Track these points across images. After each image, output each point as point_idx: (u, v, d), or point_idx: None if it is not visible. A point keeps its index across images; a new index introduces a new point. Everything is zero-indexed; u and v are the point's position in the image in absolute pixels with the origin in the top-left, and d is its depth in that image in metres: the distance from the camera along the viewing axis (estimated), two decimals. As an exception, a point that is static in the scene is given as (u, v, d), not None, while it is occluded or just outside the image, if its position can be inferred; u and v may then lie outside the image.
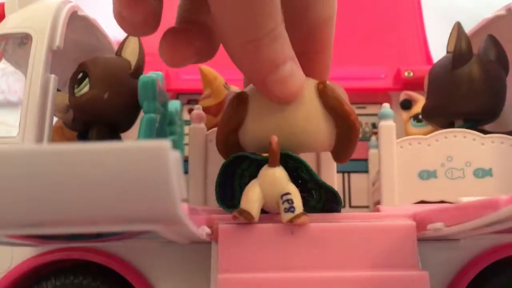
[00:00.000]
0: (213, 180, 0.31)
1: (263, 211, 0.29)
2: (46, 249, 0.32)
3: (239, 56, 0.27)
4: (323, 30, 0.31)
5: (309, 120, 0.29)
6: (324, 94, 0.29)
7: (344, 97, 0.31)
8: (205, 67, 0.43)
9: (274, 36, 0.26)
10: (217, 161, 0.34)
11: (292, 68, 0.27)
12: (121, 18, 0.27)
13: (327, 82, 0.30)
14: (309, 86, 0.30)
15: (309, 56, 0.32)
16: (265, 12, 0.25)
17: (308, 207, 0.29)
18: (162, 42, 0.29)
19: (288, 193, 0.28)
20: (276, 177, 0.28)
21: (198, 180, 0.38)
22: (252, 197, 0.28)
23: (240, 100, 0.30)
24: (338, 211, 0.31)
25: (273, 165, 0.28)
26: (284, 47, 0.27)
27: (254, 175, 0.30)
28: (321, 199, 0.30)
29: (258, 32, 0.25)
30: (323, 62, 0.34)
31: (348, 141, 0.30)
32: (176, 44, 0.29)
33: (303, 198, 0.29)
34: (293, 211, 0.27)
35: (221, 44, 0.29)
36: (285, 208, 0.27)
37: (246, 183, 0.30)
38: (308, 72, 0.30)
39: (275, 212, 0.29)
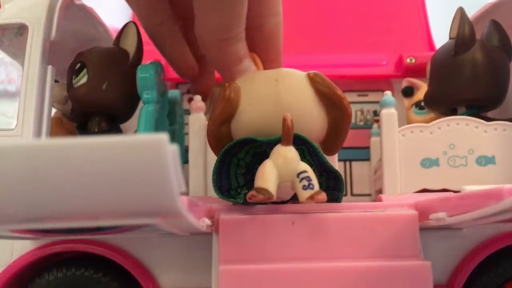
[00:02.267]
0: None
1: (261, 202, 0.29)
2: (47, 241, 0.32)
3: (213, 52, 0.35)
4: (274, 41, 0.39)
5: (303, 107, 0.29)
6: (315, 81, 0.30)
7: None
8: None
9: (239, 37, 0.34)
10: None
11: (248, 63, 0.35)
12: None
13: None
14: (299, 77, 0.30)
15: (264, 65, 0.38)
16: (235, 19, 0.33)
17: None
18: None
19: (305, 171, 0.27)
20: (291, 156, 0.28)
21: (199, 169, 0.37)
22: (269, 175, 0.27)
23: (232, 90, 0.30)
24: (339, 198, 0.30)
25: (287, 143, 0.28)
26: (244, 47, 0.35)
27: (250, 164, 0.30)
28: (323, 185, 0.30)
29: (229, 33, 0.33)
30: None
31: (340, 128, 0.30)
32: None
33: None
34: (312, 188, 0.27)
35: None
36: (304, 186, 0.27)
37: (243, 173, 0.30)
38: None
39: (287, 193, 0.29)
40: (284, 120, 0.27)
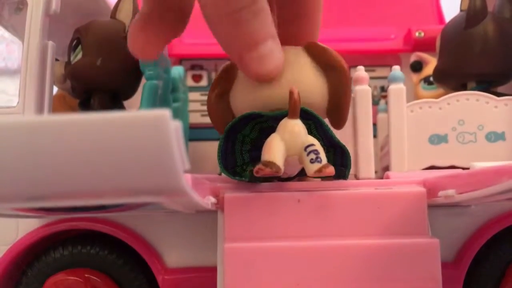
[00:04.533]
0: None
1: (266, 179, 0.28)
2: (52, 219, 0.32)
3: (218, 29, 0.26)
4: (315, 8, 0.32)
5: (303, 80, 0.28)
6: (311, 48, 0.29)
7: None
8: None
9: (254, 10, 0.25)
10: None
11: (271, 47, 0.26)
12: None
13: None
14: (295, 51, 0.29)
15: (299, 20, 0.31)
16: None
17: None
18: (132, 33, 0.28)
19: (312, 144, 0.27)
20: (298, 129, 0.27)
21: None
22: (277, 148, 0.26)
23: (229, 67, 0.30)
24: (345, 174, 0.30)
25: (293, 116, 0.27)
26: (265, 24, 0.26)
27: (256, 140, 0.29)
28: (329, 160, 0.29)
29: (238, 4, 0.25)
30: (312, 25, 0.33)
31: (341, 93, 0.29)
32: (148, 38, 0.29)
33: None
34: (320, 161, 0.26)
35: None
36: (312, 159, 0.26)
37: (248, 150, 0.29)
38: (297, 37, 0.30)
39: (295, 168, 0.28)
40: (291, 93, 0.26)
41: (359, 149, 0.35)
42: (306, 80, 0.29)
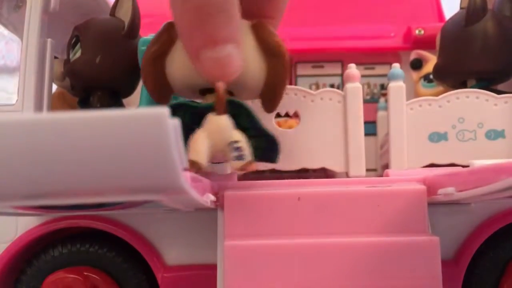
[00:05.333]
0: None
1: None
2: (51, 217, 0.32)
3: (180, 19, 0.26)
4: None
5: (243, 58, 0.27)
6: (259, 29, 0.29)
7: None
8: None
9: (219, 8, 0.25)
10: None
11: (230, 52, 0.26)
12: None
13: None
14: (243, 25, 0.29)
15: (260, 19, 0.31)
16: None
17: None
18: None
19: (236, 141, 0.27)
20: (223, 125, 0.27)
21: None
22: (201, 147, 0.27)
23: (170, 26, 0.28)
24: (274, 160, 0.30)
25: (220, 113, 0.27)
26: (229, 26, 0.25)
27: (188, 124, 0.28)
28: (259, 147, 0.29)
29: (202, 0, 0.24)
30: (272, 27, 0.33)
31: (278, 78, 0.29)
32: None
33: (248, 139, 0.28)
34: (243, 159, 0.27)
35: None
36: (234, 156, 0.27)
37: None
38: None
39: (223, 161, 0.29)
40: (217, 90, 0.26)
41: (350, 147, 0.34)
42: (246, 59, 0.28)
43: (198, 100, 0.30)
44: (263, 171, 0.35)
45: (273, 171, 0.35)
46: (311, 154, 0.34)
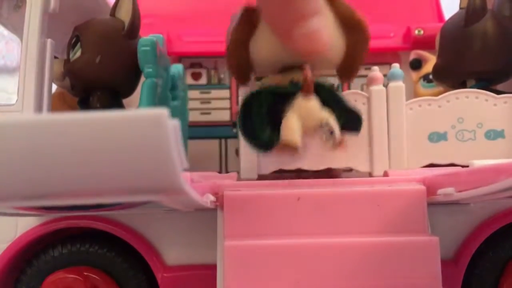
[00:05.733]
0: None
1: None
2: (51, 217, 0.32)
3: (267, 2, 0.26)
4: None
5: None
6: (335, 4, 0.30)
7: None
8: None
9: None
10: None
11: (319, 24, 0.27)
12: None
13: None
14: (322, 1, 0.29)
15: None
16: None
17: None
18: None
19: (327, 122, 0.28)
20: (312, 108, 0.28)
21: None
22: (294, 127, 0.28)
23: (250, 11, 0.30)
24: (358, 129, 0.31)
25: (307, 95, 0.28)
26: (314, 0, 0.26)
27: (271, 105, 0.30)
28: (342, 121, 0.30)
29: None
30: None
31: (357, 51, 0.30)
32: None
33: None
34: (334, 137, 0.28)
35: None
36: (326, 136, 0.28)
37: (265, 113, 0.30)
38: None
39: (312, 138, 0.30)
40: (304, 73, 0.28)
41: (374, 148, 0.35)
42: (330, 31, 0.29)
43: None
44: (288, 171, 0.35)
45: (299, 170, 0.35)
46: (336, 154, 0.35)
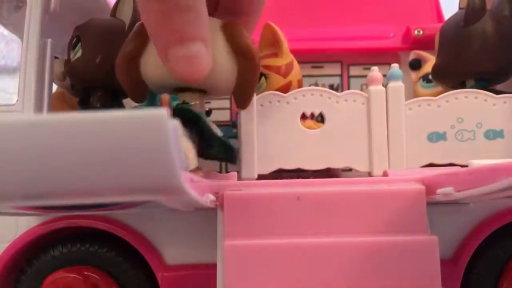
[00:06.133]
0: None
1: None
2: (51, 217, 0.32)
3: (146, 15, 0.26)
4: None
5: (214, 56, 0.28)
6: (229, 29, 0.30)
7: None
8: (275, 25, 0.41)
9: (186, 6, 0.25)
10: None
11: (199, 50, 0.26)
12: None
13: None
14: (214, 25, 0.30)
15: (238, 16, 0.32)
16: None
17: (211, 156, 0.31)
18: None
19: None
20: None
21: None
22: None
23: (143, 27, 0.29)
24: (234, 161, 0.32)
25: None
26: (198, 24, 0.25)
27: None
28: (221, 150, 0.31)
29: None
30: (249, 25, 0.34)
31: (247, 79, 0.30)
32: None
33: (205, 146, 0.30)
34: (188, 166, 0.28)
35: None
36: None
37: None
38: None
39: None
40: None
41: (374, 149, 0.35)
42: (217, 59, 0.29)
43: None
44: (287, 171, 0.36)
45: (298, 170, 0.36)
46: (335, 154, 0.35)
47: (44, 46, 0.33)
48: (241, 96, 0.32)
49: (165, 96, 0.37)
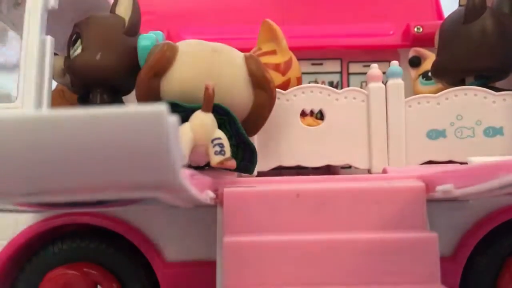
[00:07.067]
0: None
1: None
2: (51, 214, 0.32)
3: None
4: None
5: (233, 82, 0.31)
6: (249, 61, 0.32)
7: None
8: (273, 22, 0.41)
9: None
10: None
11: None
12: None
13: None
14: (237, 55, 0.32)
15: None
16: None
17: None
18: None
19: (219, 138, 0.29)
20: (208, 122, 0.29)
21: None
22: (184, 138, 0.29)
23: (169, 48, 0.31)
24: (250, 169, 0.32)
25: (206, 110, 0.29)
26: None
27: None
28: (239, 156, 0.31)
29: None
30: None
31: (263, 110, 0.32)
32: None
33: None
34: (223, 154, 0.29)
35: None
36: (216, 151, 0.29)
37: None
38: None
39: (201, 157, 0.30)
40: (206, 88, 0.29)
41: (373, 146, 0.35)
42: (237, 88, 0.31)
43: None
44: (287, 168, 0.36)
45: (298, 167, 0.36)
46: (335, 151, 0.35)
47: (43, 43, 0.33)
48: (253, 124, 0.33)
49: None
